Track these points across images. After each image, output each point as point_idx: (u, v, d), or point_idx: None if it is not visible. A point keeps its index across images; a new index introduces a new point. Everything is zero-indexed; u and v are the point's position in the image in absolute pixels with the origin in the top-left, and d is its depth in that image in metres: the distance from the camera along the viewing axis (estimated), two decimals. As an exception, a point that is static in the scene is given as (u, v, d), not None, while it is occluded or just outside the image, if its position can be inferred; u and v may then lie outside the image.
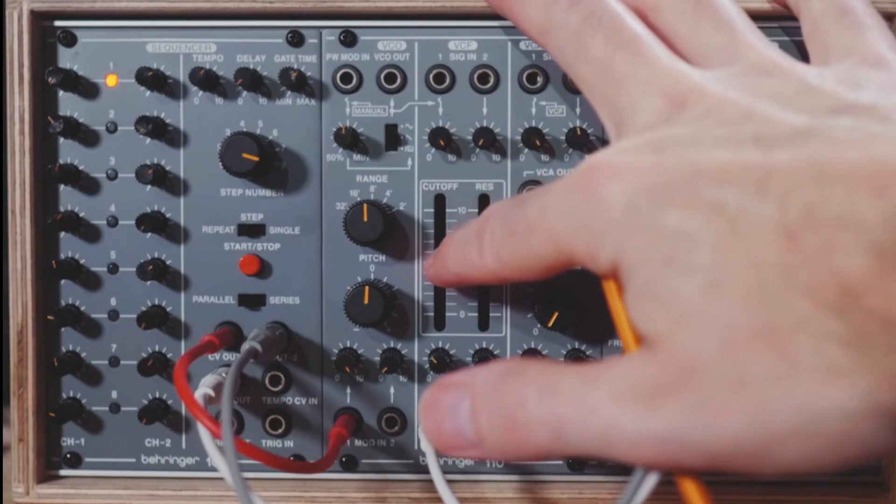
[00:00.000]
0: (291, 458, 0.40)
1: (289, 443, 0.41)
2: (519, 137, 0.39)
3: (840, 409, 0.21)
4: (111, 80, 0.40)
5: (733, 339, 0.22)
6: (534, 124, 0.39)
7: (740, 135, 0.25)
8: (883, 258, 0.21)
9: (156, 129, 0.39)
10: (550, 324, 0.38)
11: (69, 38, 0.40)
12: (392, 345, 0.40)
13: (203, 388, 0.36)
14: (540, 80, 0.39)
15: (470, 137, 0.39)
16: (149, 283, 0.40)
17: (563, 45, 0.31)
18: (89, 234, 0.40)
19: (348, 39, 0.39)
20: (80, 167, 0.40)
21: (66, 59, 0.40)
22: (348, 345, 0.40)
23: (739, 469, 0.23)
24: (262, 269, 0.40)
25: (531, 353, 0.40)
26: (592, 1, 0.31)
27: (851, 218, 0.21)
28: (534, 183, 0.39)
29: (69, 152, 0.40)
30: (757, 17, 0.37)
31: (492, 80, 0.39)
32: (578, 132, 0.39)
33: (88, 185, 0.40)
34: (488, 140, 0.39)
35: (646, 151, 0.26)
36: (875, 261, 0.21)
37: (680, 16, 0.32)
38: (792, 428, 0.22)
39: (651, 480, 0.27)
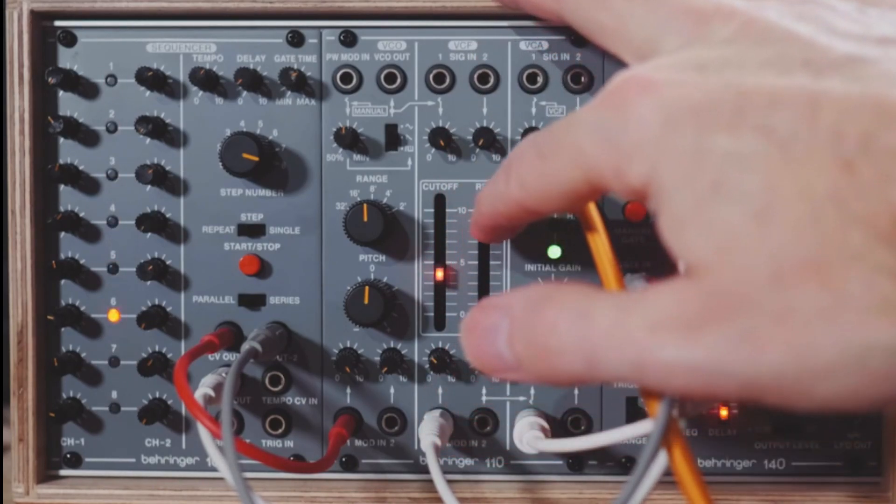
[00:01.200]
0: (291, 458, 0.40)
1: (289, 443, 0.41)
2: (519, 137, 0.39)
3: (887, 343, 0.20)
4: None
5: (782, 271, 0.21)
6: (534, 124, 0.39)
7: (786, 57, 0.24)
8: None
9: (156, 129, 0.39)
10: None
11: (69, 38, 0.40)
12: (392, 345, 0.40)
13: (203, 388, 0.37)
14: (540, 80, 0.39)
15: (470, 137, 0.39)
16: (149, 283, 0.40)
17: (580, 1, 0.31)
18: (89, 234, 0.40)
19: (348, 39, 0.39)
20: (80, 167, 0.40)
21: (66, 59, 0.40)
22: (348, 345, 0.40)
23: (775, 401, 0.22)
24: (262, 269, 0.40)
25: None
26: None
27: None
28: (534, 183, 0.39)
29: (69, 152, 0.40)
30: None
31: (492, 80, 0.39)
32: (578, 132, 0.39)
33: (88, 185, 0.40)
34: (488, 140, 0.39)
35: (686, 69, 0.25)
36: None
37: None
38: (836, 362, 0.21)
39: (650, 480, 0.27)
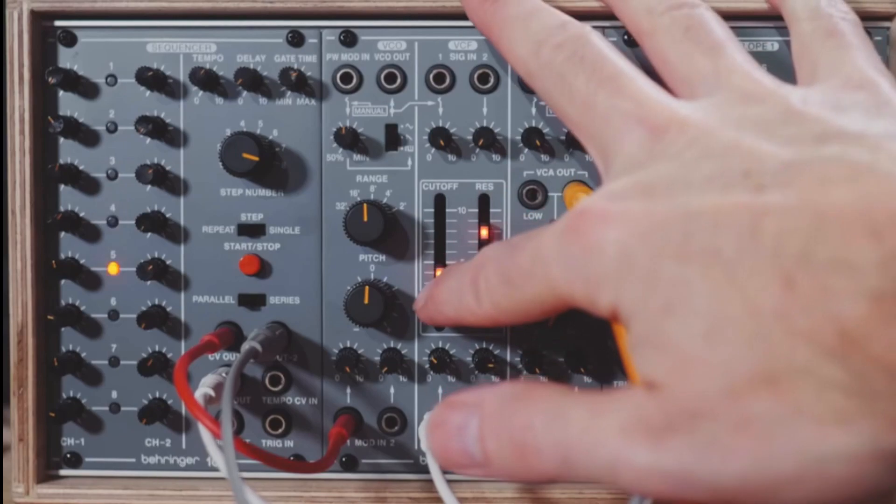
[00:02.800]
0: (291, 458, 0.40)
1: (289, 443, 0.41)
2: (519, 137, 0.39)
3: (843, 452, 0.21)
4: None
5: (735, 384, 0.22)
6: (534, 124, 0.39)
7: (728, 171, 0.25)
8: (881, 304, 0.21)
9: (156, 129, 0.39)
10: (551, 324, 0.38)
11: (69, 38, 0.40)
12: (392, 345, 0.40)
13: (203, 388, 0.36)
14: (540, 80, 0.39)
15: (470, 137, 0.39)
16: (149, 283, 0.40)
17: (548, 86, 0.32)
18: (89, 234, 0.40)
19: (348, 39, 0.39)
20: (80, 167, 0.40)
21: (66, 59, 0.40)
22: (348, 345, 0.40)
23: None
24: (262, 269, 0.40)
25: (531, 353, 0.40)
26: (576, 40, 0.31)
27: (847, 263, 0.21)
28: (534, 183, 0.39)
29: (69, 152, 0.40)
30: (753, 17, 0.37)
31: (492, 80, 0.39)
32: (578, 132, 0.39)
33: (88, 185, 0.40)
34: (488, 140, 0.39)
35: (635, 196, 0.26)
36: (873, 307, 0.21)
37: (671, 41, 0.32)
38: (797, 470, 0.22)
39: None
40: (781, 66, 0.38)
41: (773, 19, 0.38)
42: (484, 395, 0.28)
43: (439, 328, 0.40)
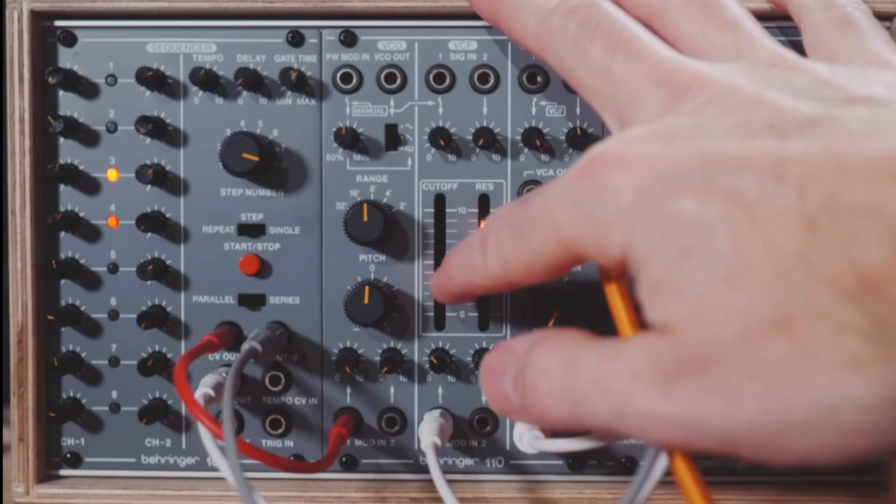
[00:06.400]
0: (291, 458, 0.40)
1: (289, 443, 0.41)
2: (519, 137, 0.39)
3: (856, 400, 0.21)
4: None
5: (750, 329, 0.22)
6: (534, 124, 0.39)
7: (752, 122, 0.24)
8: None
9: (156, 128, 0.39)
10: (550, 324, 0.38)
11: (69, 38, 0.40)
12: (392, 345, 0.40)
13: (203, 388, 0.37)
14: (540, 80, 0.39)
15: (470, 137, 0.39)
16: (149, 283, 0.40)
17: (561, 53, 0.31)
18: (89, 234, 0.40)
19: (348, 39, 0.39)
20: (80, 167, 0.40)
21: (66, 59, 0.40)
22: (348, 345, 0.40)
23: (751, 456, 0.23)
24: (262, 269, 0.40)
25: (531, 353, 0.40)
26: (589, 7, 0.31)
27: (871, 208, 0.21)
28: (534, 183, 0.39)
29: (69, 152, 0.40)
30: (756, 16, 0.37)
31: (492, 80, 0.39)
32: (578, 132, 0.39)
33: (88, 185, 0.40)
34: (488, 140, 0.39)
35: (653, 140, 0.25)
36: None
37: (686, 17, 0.32)
38: (806, 417, 0.21)
39: (651, 482, 0.27)
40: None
41: (776, 19, 0.38)
42: (517, 341, 0.29)
43: (440, 328, 0.40)
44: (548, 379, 0.26)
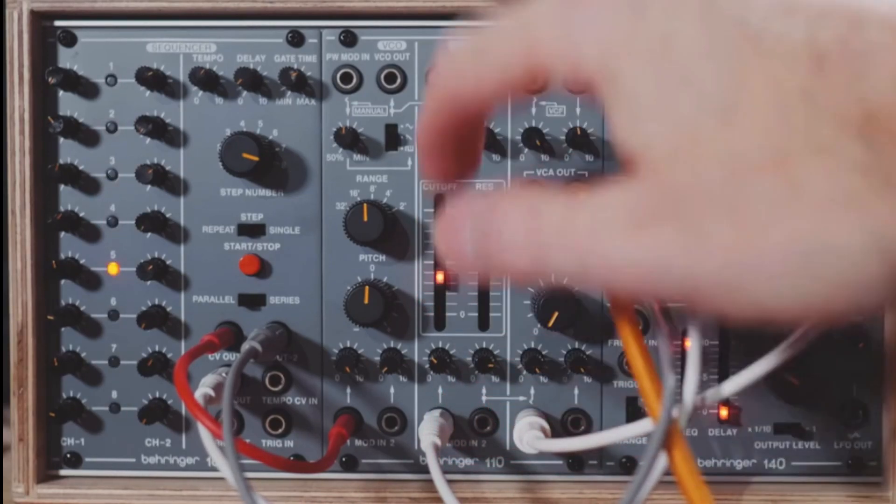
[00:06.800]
0: (291, 458, 0.40)
1: (289, 443, 0.41)
2: (519, 137, 0.39)
3: (841, 247, 0.20)
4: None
5: (741, 167, 0.21)
6: (534, 124, 0.39)
7: None
8: None
9: (156, 129, 0.39)
10: (550, 324, 0.38)
11: (69, 38, 0.40)
12: (392, 345, 0.40)
13: (203, 388, 0.37)
14: (540, 80, 0.39)
15: (470, 137, 0.39)
16: (149, 283, 0.40)
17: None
18: (89, 234, 0.40)
19: (348, 39, 0.39)
20: (80, 167, 0.40)
21: (66, 59, 0.40)
22: (348, 345, 0.40)
23: (718, 303, 0.22)
24: (262, 269, 0.40)
25: (531, 353, 0.40)
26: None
27: (885, 46, 0.20)
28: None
29: (69, 152, 0.40)
30: None
31: (492, 80, 0.39)
32: (578, 132, 0.39)
33: (88, 185, 0.40)
34: (488, 140, 0.39)
35: None
36: None
37: None
38: (784, 262, 0.20)
39: (651, 482, 0.27)
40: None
41: None
42: (481, 195, 0.27)
43: (440, 328, 0.40)
44: (510, 228, 0.25)
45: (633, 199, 0.22)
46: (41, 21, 0.39)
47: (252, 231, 0.40)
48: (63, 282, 0.40)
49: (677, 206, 0.21)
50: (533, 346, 0.40)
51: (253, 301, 0.40)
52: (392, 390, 0.40)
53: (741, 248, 0.20)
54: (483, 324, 0.40)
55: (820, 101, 0.20)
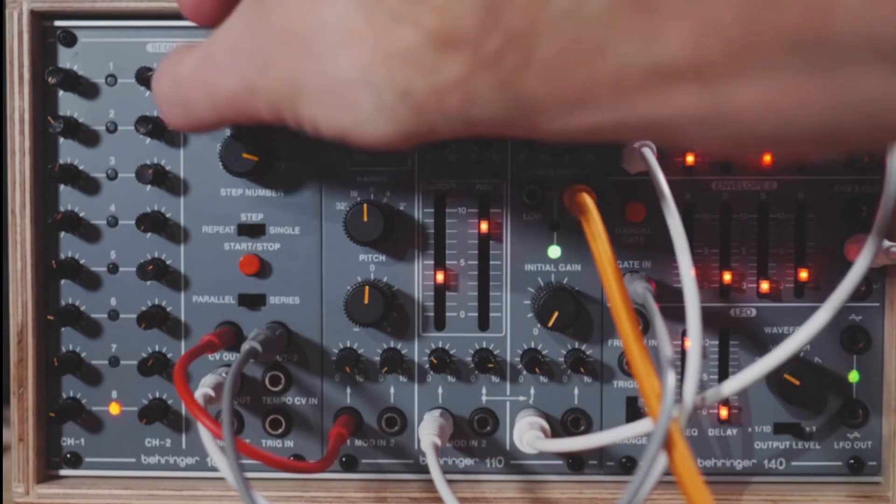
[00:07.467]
0: (291, 458, 0.40)
1: (289, 443, 0.41)
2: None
3: (344, 78, 0.21)
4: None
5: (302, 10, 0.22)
6: (534, 124, 0.39)
7: None
8: None
9: (156, 128, 0.39)
10: (550, 324, 0.38)
11: (69, 38, 0.40)
12: (392, 345, 0.40)
13: (203, 389, 0.37)
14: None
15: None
16: (149, 283, 0.40)
17: None
18: (89, 234, 0.40)
19: (348, 39, 0.39)
20: (80, 167, 0.40)
21: (66, 59, 0.40)
22: (348, 345, 0.40)
23: (271, 117, 0.25)
24: (262, 269, 0.40)
25: (531, 353, 0.40)
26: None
27: None
28: (534, 183, 0.39)
29: (69, 152, 0.40)
30: None
31: (492, 80, 0.39)
32: (578, 132, 0.39)
33: (88, 185, 0.40)
34: (488, 139, 0.39)
35: None
36: None
37: None
38: (324, 90, 0.22)
39: (650, 481, 0.27)
40: None
41: None
42: (180, 49, 0.30)
43: (440, 328, 0.40)
44: (157, 85, 0.29)
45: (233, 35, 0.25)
46: (41, 21, 0.39)
47: (252, 231, 0.40)
48: (63, 282, 0.40)
49: (259, 47, 0.24)
50: (533, 346, 0.40)
51: (253, 301, 0.40)
52: (392, 390, 0.40)
53: (292, 71, 0.23)
54: (483, 324, 0.40)
55: None
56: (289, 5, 0.22)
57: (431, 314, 0.40)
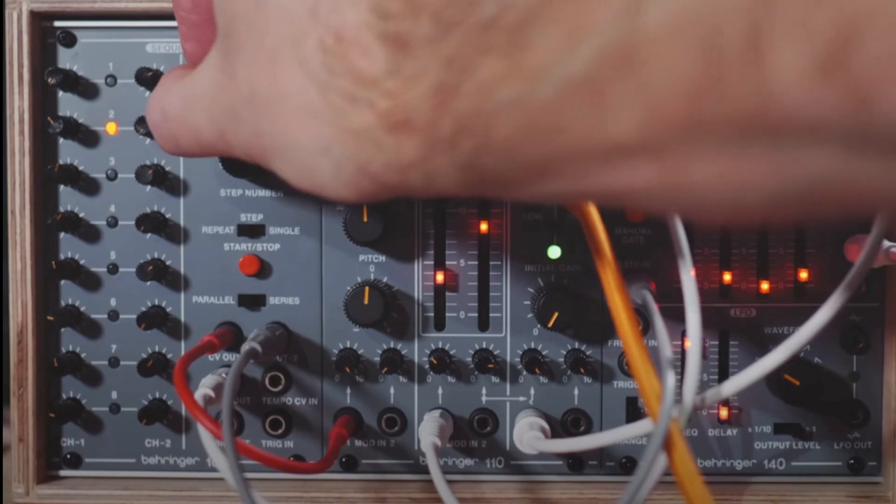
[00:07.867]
0: (291, 459, 0.40)
1: (289, 443, 0.41)
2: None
3: (305, 144, 0.22)
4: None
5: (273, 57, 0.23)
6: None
7: None
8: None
9: (156, 129, 0.39)
10: (550, 324, 0.38)
11: (69, 39, 0.40)
12: (392, 345, 0.40)
13: (203, 389, 0.37)
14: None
15: (470, 137, 0.39)
16: (149, 283, 0.40)
17: None
18: (89, 234, 0.40)
19: (348, 39, 0.39)
20: (80, 167, 0.40)
21: (66, 59, 0.40)
22: (348, 345, 0.40)
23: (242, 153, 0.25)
24: (262, 269, 0.40)
25: (531, 353, 0.40)
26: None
27: None
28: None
29: (69, 152, 0.40)
30: None
31: (492, 81, 0.39)
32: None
33: (88, 186, 0.40)
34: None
35: None
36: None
37: None
38: (284, 148, 0.23)
39: (650, 481, 0.27)
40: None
41: None
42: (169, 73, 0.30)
43: (440, 328, 0.40)
44: (151, 118, 0.29)
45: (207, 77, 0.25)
46: (41, 21, 0.39)
47: (252, 231, 0.40)
48: (63, 282, 0.40)
49: (244, 103, 0.24)
50: (533, 346, 0.40)
51: (253, 301, 0.40)
52: (392, 390, 0.40)
53: (267, 137, 0.23)
54: (483, 324, 0.40)
55: (321, 16, 0.21)
56: (252, 66, 0.23)
57: (431, 314, 0.40)
